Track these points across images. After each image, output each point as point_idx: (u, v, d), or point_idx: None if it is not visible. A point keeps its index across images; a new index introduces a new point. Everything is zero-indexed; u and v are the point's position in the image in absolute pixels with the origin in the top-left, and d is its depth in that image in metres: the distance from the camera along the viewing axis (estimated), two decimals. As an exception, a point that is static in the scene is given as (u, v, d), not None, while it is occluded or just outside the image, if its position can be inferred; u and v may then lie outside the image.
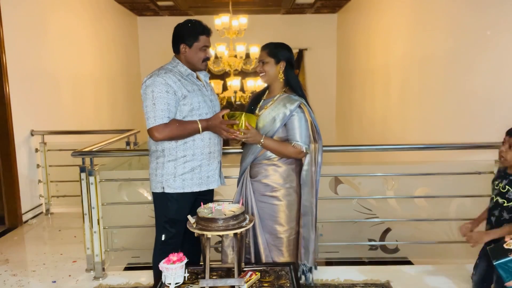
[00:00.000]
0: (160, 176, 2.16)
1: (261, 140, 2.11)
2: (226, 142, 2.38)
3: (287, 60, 2.22)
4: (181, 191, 2.15)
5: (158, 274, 1.84)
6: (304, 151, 2.15)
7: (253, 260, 2.21)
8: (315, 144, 2.21)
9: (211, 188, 2.24)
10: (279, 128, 2.15)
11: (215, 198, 2.47)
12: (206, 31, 2.19)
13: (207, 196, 2.29)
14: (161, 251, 2.15)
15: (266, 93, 2.33)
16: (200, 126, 2.10)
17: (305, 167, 2.22)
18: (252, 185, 2.21)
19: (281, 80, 2.23)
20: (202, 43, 2.17)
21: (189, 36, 2.16)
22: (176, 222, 2.17)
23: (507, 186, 2.02)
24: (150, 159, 2.24)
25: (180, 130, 2.08)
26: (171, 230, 2.20)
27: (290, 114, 2.13)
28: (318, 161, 2.22)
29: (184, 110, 2.11)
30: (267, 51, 2.22)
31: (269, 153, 2.17)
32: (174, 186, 2.14)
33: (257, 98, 2.34)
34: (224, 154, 2.38)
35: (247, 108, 2.35)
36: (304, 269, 2.31)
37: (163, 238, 2.21)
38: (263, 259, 2.19)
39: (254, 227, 2.20)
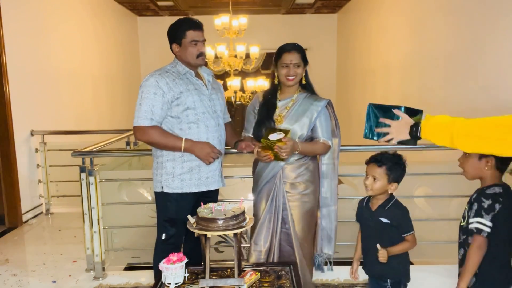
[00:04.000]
0: (160, 176, 2.16)
1: (299, 148, 2.13)
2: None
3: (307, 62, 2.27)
4: (180, 191, 2.14)
5: (158, 273, 1.84)
6: (331, 145, 2.25)
7: (275, 260, 2.24)
8: (337, 139, 2.31)
9: (211, 189, 2.23)
10: (311, 127, 2.20)
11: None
12: (193, 25, 2.14)
13: (211, 198, 2.26)
14: (161, 251, 2.15)
15: (278, 93, 2.30)
16: (183, 145, 2.08)
17: (326, 161, 2.29)
18: (286, 186, 2.22)
19: (302, 81, 2.28)
20: (190, 38, 2.13)
21: (176, 34, 2.15)
22: (176, 221, 2.17)
23: (467, 205, 1.75)
24: (152, 158, 2.26)
25: (161, 138, 2.09)
26: (171, 230, 2.20)
27: (319, 113, 2.20)
28: (338, 155, 2.33)
29: (177, 110, 2.10)
30: (300, 54, 2.21)
31: (298, 154, 2.20)
32: (173, 186, 2.14)
33: (270, 99, 2.28)
34: (224, 154, 2.36)
35: (262, 111, 2.26)
36: (322, 260, 2.37)
37: (163, 237, 2.21)
38: (298, 259, 2.22)
39: (286, 228, 2.23)
